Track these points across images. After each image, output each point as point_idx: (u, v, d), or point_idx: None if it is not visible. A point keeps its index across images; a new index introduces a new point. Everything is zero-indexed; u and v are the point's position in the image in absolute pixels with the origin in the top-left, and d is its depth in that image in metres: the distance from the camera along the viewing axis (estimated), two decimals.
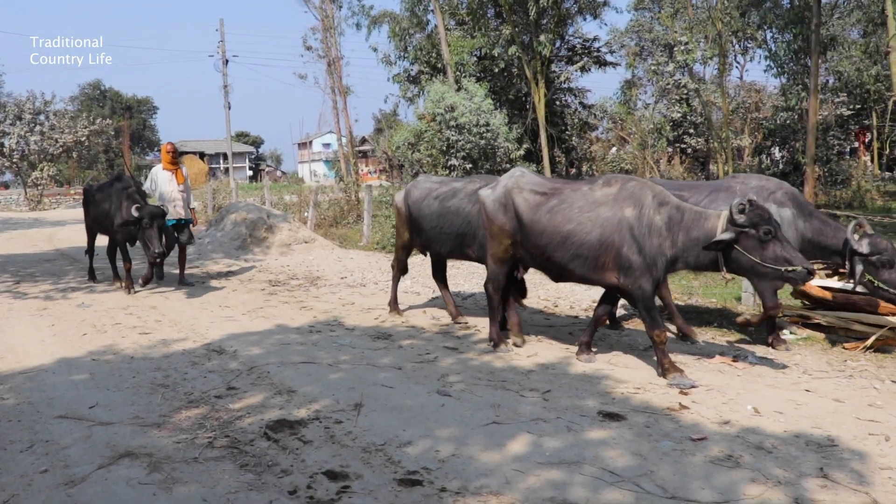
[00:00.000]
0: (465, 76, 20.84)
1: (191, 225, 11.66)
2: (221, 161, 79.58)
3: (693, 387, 6.08)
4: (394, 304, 9.33)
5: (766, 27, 24.69)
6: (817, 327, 8.26)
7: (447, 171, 17.05)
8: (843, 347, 7.67)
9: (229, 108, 44.96)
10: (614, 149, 27.93)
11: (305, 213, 22.28)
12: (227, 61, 44.89)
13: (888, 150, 31.66)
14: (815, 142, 21.72)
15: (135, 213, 10.01)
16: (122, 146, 66.42)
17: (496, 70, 22.92)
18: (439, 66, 23.17)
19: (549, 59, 22.61)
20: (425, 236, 8.62)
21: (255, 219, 16.78)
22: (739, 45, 32.55)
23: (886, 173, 32.17)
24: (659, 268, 6.32)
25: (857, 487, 4.16)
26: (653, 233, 6.28)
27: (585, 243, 6.45)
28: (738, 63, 36.44)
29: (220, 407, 5.53)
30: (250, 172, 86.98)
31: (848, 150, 33.04)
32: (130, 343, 7.71)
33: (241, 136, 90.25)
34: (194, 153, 72.75)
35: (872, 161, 33.48)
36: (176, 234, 11.23)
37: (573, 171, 25.79)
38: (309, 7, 29.16)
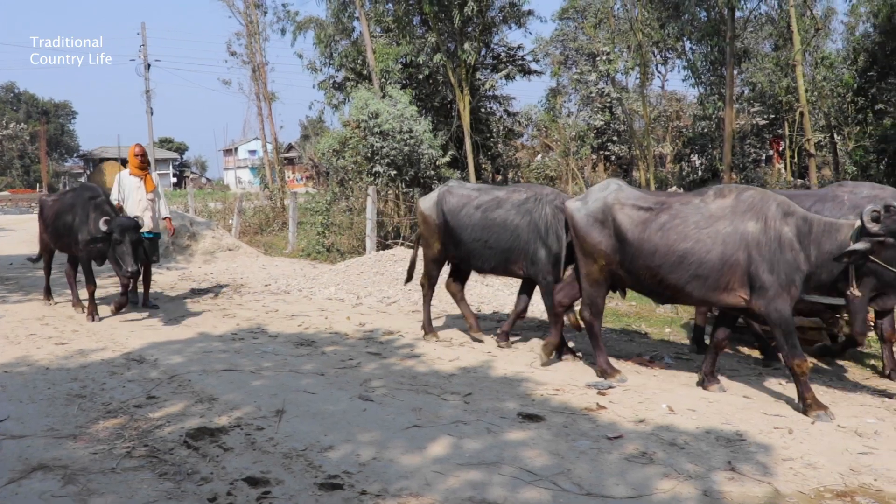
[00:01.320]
0: (390, 83, 20.85)
1: (162, 237, 11.07)
2: None
3: (830, 421, 5.53)
4: (428, 327, 8.33)
5: (684, 38, 25.43)
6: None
7: (372, 178, 17.06)
8: (752, 346, 7.96)
9: (151, 114, 43.93)
10: (539, 156, 28.31)
11: (230, 221, 22.02)
12: (148, 66, 43.89)
13: (799, 158, 32.81)
14: (731, 150, 22.47)
15: (103, 227, 8.63)
16: (39, 152, 64.42)
17: (421, 77, 22.98)
18: (365, 72, 23.12)
19: (473, 67, 22.80)
20: (464, 250, 7.84)
21: (177, 226, 16.47)
22: (660, 56, 33.34)
23: (798, 180, 33.31)
24: (797, 286, 5.72)
25: (762, 478, 4.36)
26: (784, 247, 5.70)
27: (705, 263, 5.86)
28: (659, 73, 37.29)
29: (140, 416, 5.45)
30: (174, 179, 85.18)
31: (763, 157, 34.14)
32: (46, 354, 7.50)
33: (165, 143, 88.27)
34: (115, 160, 70.91)
35: (786, 168, 34.61)
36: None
37: (499, 178, 26.04)
38: (233, 12, 28.88)
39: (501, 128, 25.45)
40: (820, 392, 6.37)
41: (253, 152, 76.97)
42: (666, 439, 5.00)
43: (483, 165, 24.55)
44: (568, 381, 6.51)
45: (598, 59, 28.91)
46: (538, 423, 5.29)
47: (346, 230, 17.06)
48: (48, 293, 10.69)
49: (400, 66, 22.71)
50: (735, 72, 23.67)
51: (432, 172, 18.79)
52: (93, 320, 9.09)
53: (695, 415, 5.59)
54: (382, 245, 15.34)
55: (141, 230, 9.13)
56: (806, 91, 18.42)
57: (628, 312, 9.99)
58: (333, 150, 18.36)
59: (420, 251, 8.60)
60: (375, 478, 4.31)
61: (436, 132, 20.51)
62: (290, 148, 61.85)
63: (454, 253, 8.05)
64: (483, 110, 24.93)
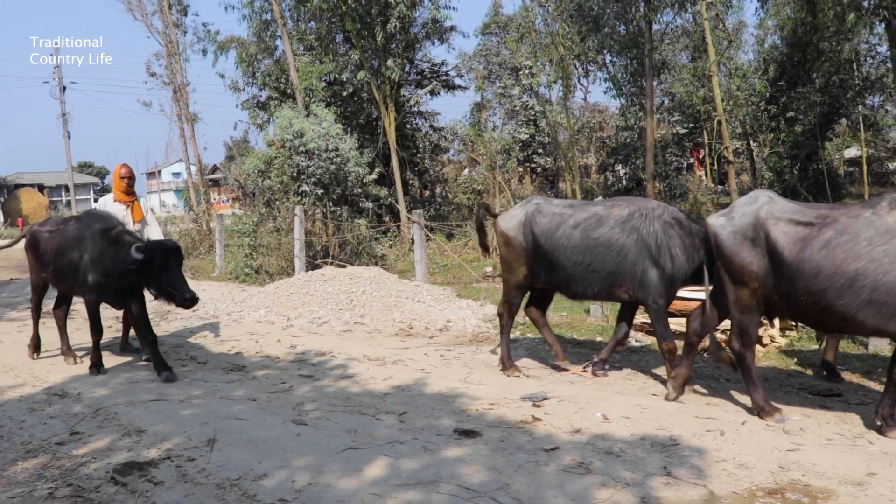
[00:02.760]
0: (314, 101, 20.73)
1: None
2: (63, 194, 75.50)
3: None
4: (508, 361, 7.51)
5: (605, 51, 25.97)
6: None
7: (298, 198, 16.89)
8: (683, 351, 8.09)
9: (69, 138, 42.90)
10: (466, 170, 28.47)
11: None
12: (64, 88, 42.84)
13: (718, 165, 33.77)
14: (654, 159, 22.98)
15: (137, 255, 7.09)
16: None
17: (346, 95, 22.92)
18: (289, 91, 22.95)
19: (398, 84, 22.82)
20: (562, 275, 7.02)
21: None
22: (582, 69, 33.97)
23: (719, 186, 34.27)
24: None
25: (697, 482, 4.44)
26: None
27: (881, 286, 5.11)
28: (581, 85, 38.01)
29: (63, 454, 5.23)
30: (95, 204, 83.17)
31: (685, 165, 35.07)
32: None
33: (85, 167, 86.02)
34: (32, 185, 68.73)
35: (706, 176, 35.58)
36: None
37: (427, 192, 26.09)
38: (152, 32, 28.30)
39: (428, 143, 25.52)
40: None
41: (177, 174, 75.52)
42: (602, 448, 5.05)
43: (410, 181, 24.57)
44: (503, 394, 6.52)
45: (521, 72, 29.27)
46: (475, 439, 5.27)
47: (274, 251, 16.83)
48: (37, 346, 8.72)
49: (324, 84, 22.62)
50: (654, 83, 24.27)
51: (359, 190, 18.73)
52: (97, 373, 7.65)
53: (629, 422, 5.65)
54: (311, 265, 15.18)
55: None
56: (722, 100, 18.93)
57: (559, 322, 10.08)
58: (259, 170, 18.13)
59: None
60: None
61: (362, 150, 20.46)
62: (215, 169, 60.91)
63: (547, 279, 7.23)
64: (409, 126, 24.98)
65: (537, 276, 7.25)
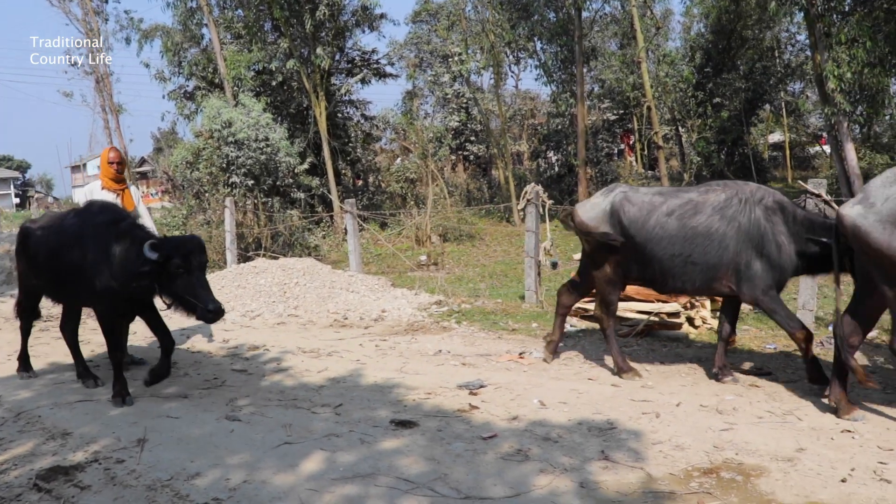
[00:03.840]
0: (243, 91, 20.39)
1: None
2: None
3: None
4: (624, 363, 6.70)
5: (535, 39, 26.15)
6: (594, 318, 8.78)
7: (229, 189, 16.59)
8: (618, 335, 8.19)
9: None
10: (399, 159, 28.37)
11: None
12: None
13: (648, 150, 34.37)
14: (585, 145, 23.26)
15: (151, 255, 5.69)
16: None
17: (275, 84, 22.60)
18: (216, 81, 22.54)
19: (328, 72, 22.60)
20: (657, 268, 6.34)
21: None
22: (512, 56, 34.15)
23: (649, 171, 34.88)
24: None
25: (634, 464, 4.46)
26: None
27: None
28: (512, 72, 38.20)
29: None
30: (17, 200, 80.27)
31: (616, 151, 35.56)
32: None
33: (4, 161, 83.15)
34: None
35: (637, 161, 36.18)
36: None
37: (360, 182, 25.92)
38: (70, 19, 27.40)
39: (359, 132, 25.38)
40: (683, 372, 6.64)
41: None
42: (540, 434, 5.05)
43: (342, 171, 24.38)
44: (439, 383, 6.48)
45: (451, 60, 29.26)
46: (412, 430, 5.22)
47: (204, 244, 16.49)
48: (26, 363, 7.39)
49: (253, 73, 22.28)
50: (585, 70, 24.54)
51: (291, 181, 18.51)
52: (123, 403, 6.10)
53: (566, 407, 5.67)
54: (243, 257, 14.92)
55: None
56: (651, 87, 19.31)
57: (494, 310, 10.09)
58: (187, 161, 17.76)
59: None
60: (247, 502, 4.13)
61: (293, 139, 20.22)
62: (143, 161, 59.46)
63: (639, 273, 6.55)
64: (340, 115, 24.79)
65: (628, 271, 6.56)
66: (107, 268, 6.00)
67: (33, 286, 7.04)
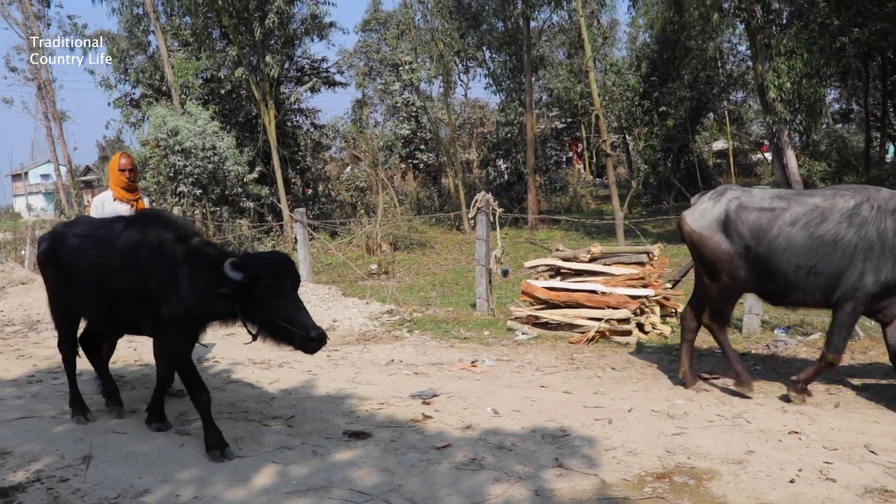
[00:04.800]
0: (190, 99, 20.13)
1: None
2: None
3: None
4: (745, 375, 6.07)
5: (484, 48, 26.30)
6: (546, 326, 8.84)
7: (176, 199, 16.34)
8: (570, 342, 8.26)
9: None
10: (349, 168, 28.27)
11: (22, 252, 20.42)
12: None
13: (596, 158, 34.80)
14: (534, 153, 23.46)
15: (234, 275, 4.78)
16: None
17: (224, 92, 22.34)
18: (164, 88, 22.23)
19: (277, 81, 22.44)
20: (780, 282, 5.82)
21: None
22: (462, 65, 34.29)
23: (597, 179, 35.29)
24: None
25: (588, 471, 4.50)
26: None
27: None
28: (461, 81, 38.37)
29: None
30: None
31: (564, 159, 35.90)
32: None
33: None
34: None
35: (585, 169, 36.58)
36: None
37: (309, 191, 25.75)
38: (10, 23, 26.78)
39: (309, 141, 25.23)
40: (634, 378, 6.70)
41: (46, 176, 71.94)
42: (494, 443, 5.05)
43: (292, 180, 24.20)
44: (391, 393, 6.45)
45: (401, 69, 29.25)
46: (365, 441, 5.19)
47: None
48: (80, 404, 6.06)
49: (201, 81, 22.03)
50: (533, 79, 24.73)
51: (240, 190, 18.31)
52: (223, 457, 4.94)
53: (520, 415, 5.69)
54: None
55: None
56: (598, 96, 19.50)
57: (446, 318, 10.09)
58: None
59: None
60: None
61: (242, 148, 20.02)
62: (87, 170, 58.36)
63: (759, 287, 6.09)
64: (289, 124, 24.61)
65: (748, 284, 6.10)
66: (174, 292, 5.07)
67: (69, 308, 5.91)
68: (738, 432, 5.13)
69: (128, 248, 5.26)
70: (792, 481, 4.26)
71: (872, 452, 4.67)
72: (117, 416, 5.94)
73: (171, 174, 16.45)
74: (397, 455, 4.88)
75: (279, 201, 21.07)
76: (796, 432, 5.08)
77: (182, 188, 16.38)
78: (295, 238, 14.94)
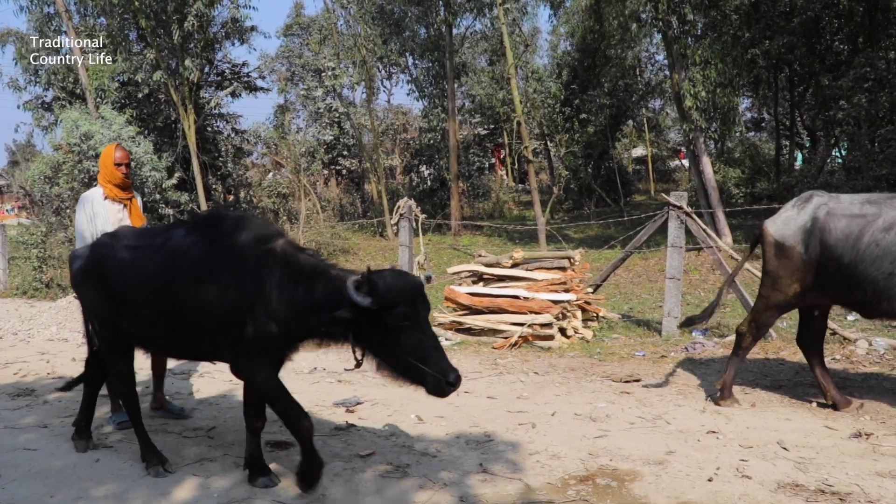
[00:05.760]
0: (106, 102, 19.59)
1: None
2: None
3: None
4: (729, 390, 6.04)
5: (407, 54, 26.35)
6: (469, 331, 8.88)
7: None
8: (493, 347, 8.32)
9: None
10: (271, 174, 27.92)
11: None
12: None
13: (518, 164, 35.18)
14: (457, 159, 23.56)
15: (362, 300, 3.91)
16: None
17: (141, 96, 21.79)
18: (78, 92, 21.57)
19: (197, 85, 22.01)
20: (869, 291, 5.42)
21: None
22: (385, 71, 34.26)
23: (520, 185, 35.65)
24: None
25: (513, 476, 4.53)
26: None
27: None
28: (385, 87, 38.30)
29: None
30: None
31: (487, 165, 36.15)
32: None
33: None
34: None
35: (507, 175, 36.90)
36: None
37: (231, 197, 25.34)
38: None
39: (230, 146, 24.81)
40: (557, 382, 6.79)
41: None
42: (418, 450, 5.05)
43: (213, 186, 23.77)
44: (315, 401, 6.39)
45: (324, 74, 29.05)
46: (287, 451, 5.13)
47: (66, 263, 15.71)
48: (156, 454, 4.94)
49: (117, 84, 21.46)
50: (455, 85, 24.85)
51: (158, 196, 17.88)
52: (309, 489, 4.38)
53: (444, 421, 5.70)
54: None
55: None
56: (520, 102, 19.73)
57: None
58: (46, 176, 16.87)
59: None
60: None
61: (160, 154, 19.56)
62: None
63: (842, 297, 5.71)
64: (210, 129, 24.16)
65: (822, 293, 5.72)
66: (263, 308, 4.21)
67: (120, 336, 4.97)
68: (659, 433, 5.25)
69: (197, 256, 4.39)
70: (710, 479, 4.38)
71: (784, 449, 4.84)
72: (83, 449, 5.25)
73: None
74: None
75: (200, 208, 20.67)
76: (714, 432, 5.23)
77: None
78: None
